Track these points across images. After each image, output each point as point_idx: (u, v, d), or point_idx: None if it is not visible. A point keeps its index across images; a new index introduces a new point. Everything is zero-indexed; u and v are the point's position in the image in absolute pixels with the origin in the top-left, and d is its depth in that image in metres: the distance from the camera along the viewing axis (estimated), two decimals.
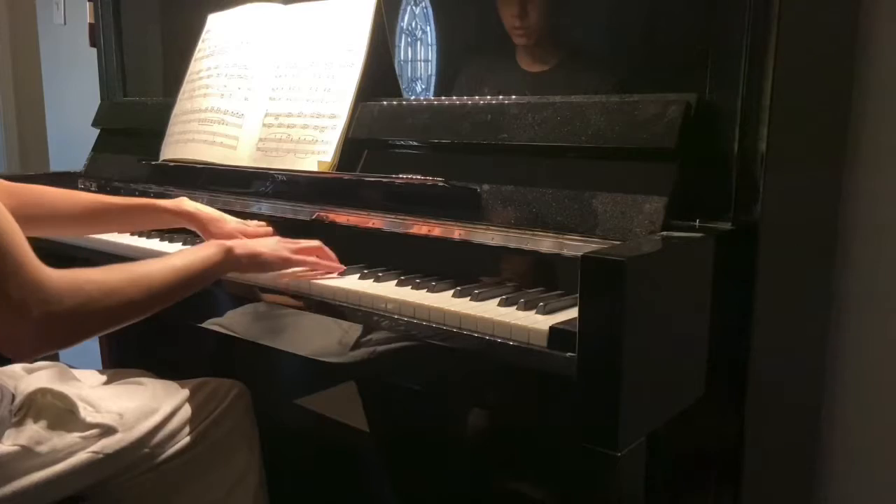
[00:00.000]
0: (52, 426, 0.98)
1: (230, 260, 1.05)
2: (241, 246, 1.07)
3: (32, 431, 0.96)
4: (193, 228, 1.23)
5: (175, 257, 1.01)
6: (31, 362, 1.06)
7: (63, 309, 0.82)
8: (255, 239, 1.14)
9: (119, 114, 1.86)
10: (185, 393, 1.12)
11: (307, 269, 1.11)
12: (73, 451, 0.98)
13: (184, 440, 1.09)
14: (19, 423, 0.97)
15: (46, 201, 1.20)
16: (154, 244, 1.36)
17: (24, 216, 0.88)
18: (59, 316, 0.82)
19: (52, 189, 1.22)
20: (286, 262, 1.10)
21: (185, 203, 1.23)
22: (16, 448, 0.94)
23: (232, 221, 1.23)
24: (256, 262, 1.08)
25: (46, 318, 0.80)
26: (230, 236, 1.17)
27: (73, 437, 0.99)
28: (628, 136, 0.98)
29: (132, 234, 1.42)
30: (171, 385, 1.14)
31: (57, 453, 0.97)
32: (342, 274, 1.11)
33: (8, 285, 0.78)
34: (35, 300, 0.79)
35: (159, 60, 1.91)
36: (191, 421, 1.10)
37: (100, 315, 0.87)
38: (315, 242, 1.13)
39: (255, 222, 1.26)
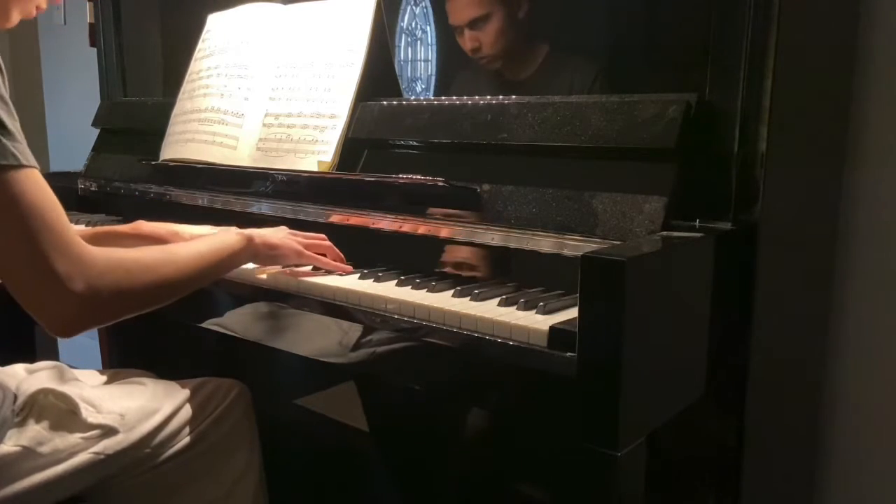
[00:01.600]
0: (54, 427, 0.98)
1: (250, 248, 1.07)
2: (260, 236, 1.09)
3: (34, 432, 0.96)
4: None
5: (200, 243, 1.03)
6: (29, 352, 1.06)
7: (105, 284, 0.84)
8: (268, 230, 1.15)
9: (119, 114, 1.86)
10: (186, 393, 1.12)
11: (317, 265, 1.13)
12: (74, 452, 0.98)
13: (184, 440, 1.09)
14: (21, 424, 0.97)
15: None
16: None
17: None
18: (103, 290, 0.84)
19: None
20: (299, 257, 1.12)
21: (142, 226, 1.23)
22: (18, 449, 0.94)
23: (187, 234, 1.22)
24: (273, 253, 1.11)
25: (91, 292, 0.82)
26: None
27: (75, 437, 0.99)
28: (628, 136, 0.98)
29: None
30: (171, 385, 1.14)
31: (58, 454, 0.97)
32: (343, 273, 1.11)
33: (55, 260, 0.80)
34: (80, 275, 0.81)
35: (159, 60, 1.91)
36: (191, 421, 1.10)
37: (139, 291, 0.89)
38: (321, 237, 1.16)
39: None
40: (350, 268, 1.13)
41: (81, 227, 1.27)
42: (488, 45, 1.25)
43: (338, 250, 1.15)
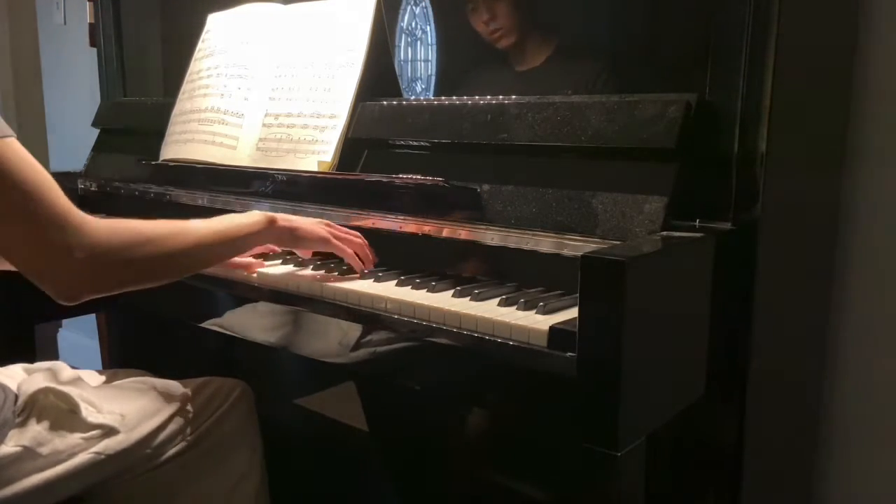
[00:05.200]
0: (54, 427, 0.98)
1: (271, 230, 1.06)
2: (284, 219, 1.08)
3: (35, 432, 0.96)
4: None
5: (218, 220, 1.03)
6: (28, 352, 1.06)
7: (106, 250, 0.84)
8: (299, 217, 1.14)
9: (119, 114, 1.86)
10: (187, 393, 1.12)
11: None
12: (74, 452, 0.98)
13: (186, 440, 1.09)
14: (22, 424, 0.96)
15: None
16: None
17: None
18: (103, 257, 0.84)
19: None
20: (324, 243, 1.09)
21: None
22: (18, 449, 0.94)
23: None
24: (295, 235, 1.09)
25: (91, 258, 0.83)
26: None
27: (75, 437, 0.99)
28: (628, 136, 0.98)
29: None
30: (173, 385, 1.14)
31: (59, 454, 0.97)
32: (341, 274, 1.11)
33: (50, 231, 0.80)
34: (78, 243, 0.82)
35: (159, 60, 1.91)
36: (193, 421, 1.10)
37: (142, 261, 0.89)
38: (359, 235, 1.13)
39: None
40: (365, 268, 1.10)
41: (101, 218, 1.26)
42: (504, 15, 1.24)
43: (369, 253, 1.12)
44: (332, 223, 1.14)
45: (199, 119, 1.48)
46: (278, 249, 1.22)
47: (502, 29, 1.25)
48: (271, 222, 1.06)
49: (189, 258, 0.97)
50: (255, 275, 1.14)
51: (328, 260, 1.16)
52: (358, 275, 1.09)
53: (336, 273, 1.10)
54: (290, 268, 1.16)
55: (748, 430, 1.01)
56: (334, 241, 1.09)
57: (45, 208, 0.80)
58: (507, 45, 1.26)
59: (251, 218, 1.06)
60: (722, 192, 0.95)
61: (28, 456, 0.95)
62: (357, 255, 1.10)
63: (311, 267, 1.16)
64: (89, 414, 1.01)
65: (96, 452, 0.99)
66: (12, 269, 0.86)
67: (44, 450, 0.96)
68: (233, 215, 1.07)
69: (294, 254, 1.21)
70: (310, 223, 1.11)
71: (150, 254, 0.90)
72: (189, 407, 1.11)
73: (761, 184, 0.94)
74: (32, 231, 0.80)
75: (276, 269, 1.16)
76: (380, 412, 1.49)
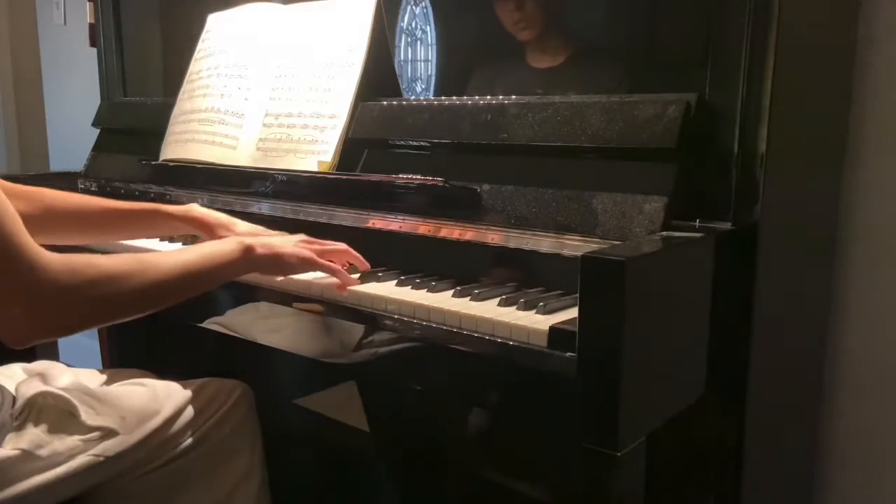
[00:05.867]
0: (53, 429, 0.97)
1: (249, 259, 1.00)
2: (262, 246, 1.02)
3: (33, 435, 0.95)
4: (203, 235, 1.18)
5: (190, 251, 0.97)
6: (27, 352, 1.04)
7: (58, 291, 0.79)
8: (277, 237, 1.09)
9: (119, 114, 1.86)
10: (188, 394, 1.11)
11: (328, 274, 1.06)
12: (73, 455, 0.97)
13: (186, 442, 1.08)
14: (20, 427, 0.96)
15: (54, 205, 1.15)
16: (153, 245, 1.36)
17: (29, 220, 0.84)
18: (53, 299, 0.79)
19: (58, 193, 1.17)
20: (309, 265, 1.04)
21: (194, 209, 1.18)
22: (16, 452, 0.93)
23: (242, 226, 1.18)
24: (277, 262, 1.03)
25: (38, 300, 0.78)
26: None
27: (74, 439, 0.98)
28: (628, 136, 0.98)
29: None
30: (173, 386, 1.13)
31: (57, 457, 0.96)
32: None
33: (4, 267, 0.76)
34: (27, 282, 0.77)
35: (159, 60, 1.91)
36: (193, 422, 1.09)
37: (101, 301, 0.84)
38: (341, 245, 1.08)
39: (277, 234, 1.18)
40: (356, 280, 1.06)
41: (125, 204, 1.21)
42: (531, 8, 1.22)
43: (358, 256, 1.09)
44: (309, 237, 1.09)
45: (200, 119, 1.48)
46: None
47: (528, 20, 1.23)
48: (248, 251, 1.00)
49: (153, 296, 0.90)
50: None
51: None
52: (358, 278, 1.06)
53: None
54: None
55: (748, 430, 1.01)
56: (319, 261, 1.04)
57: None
58: (529, 37, 1.25)
59: (226, 246, 0.99)
60: (722, 192, 0.95)
61: (26, 459, 0.94)
62: (346, 265, 1.07)
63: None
64: (88, 416, 0.99)
65: (95, 454, 0.98)
66: None
67: (42, 452, 0.95)
68: (208, 243, 1.01)
69: None
70: (290, 244, 1.05)
71: (110, 293, 0.83)
72: (189, 408, 1.10)
73: (761, 184, 0.94)
74: None
75: None
76: (380, 412, 1.49)
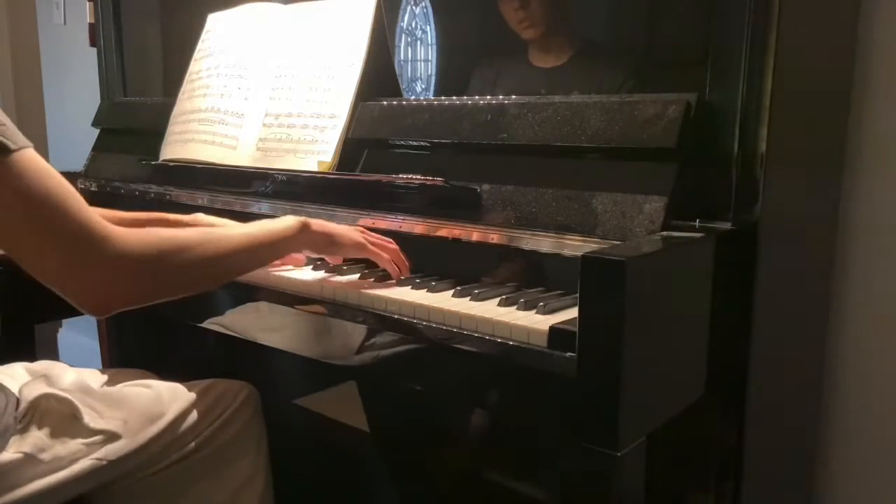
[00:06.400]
0: (56, 433, 0.96)
1: (307, 235, 1.04)
2: (319, 224, 1.06)
3: (36, 438, 0.94)
4: None
5: (251, 225, 1.00)
6: (29, 352, 1.04)
7: (134, 260, 0.82)
8: (332, 223, 1.11)
9: (119, 114, 1.86)
10: (192, 396, 1.10)
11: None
12: (75, 459, 0.96)
13: (190, 444, 1.07)
14: (23, 430, 0.95)
15: None
16: None
17: None
18: (133, 267, 0.82)
19: None
20: (360, 249, 1.07)
21: (200, 218, 1.19)
22: (19, 456, 0.93)
23: None
24: (331, 241, 1.06)
25: (120, 269, 0.81)
26: None
27: (77, 443, 0.97)
28: (628, 136, 0.98)
29: None
30: (177, 387, 1.11)
31: (60, 461, 0.95)
32: (342, 274, 1.11)
33: (75, 243, 0.78)
34: (105, 254, 0.79)
35: (159, 60, 1.91)
36: (198, 425, 1.08)
37: (172, 270, 0.87)
38: (393, 245, 1.10)
39: None
40: (402, 275, 1.07)
41: (128, 214, 1.22)
42: (536, 5, 1.22)
43: (405, 261, 1.10)
44: (365, 229, 1.12)
45: (199, 119, 1.48)
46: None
47: (532, 18, 1.23)
48: (305, 226, 1.03)
49: (223, 266, 0.93)
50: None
51: (344, 265, 1.15)
52: (394, 281, 1.06)
53: (372, 279, 1.07)
54: (299, 272, 1.15)
55: (748, 430, 1.01)
56: (370, 247, 1.07)
57: (69, 220, 0.78)
58: (534, 35, 1.25)
59: (285, 222, 1.03)
60: (722, 192, 0.95)
61: (29, 462, 0.93)
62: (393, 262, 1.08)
63: (324, 271, 1.14)
64: (91, 419, 0.99)
65: (98, 458, 0.97)
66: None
67: (45, 456, 0.94)
68: (266, 220, 1.04)
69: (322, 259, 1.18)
70: (344, 228, 1.09)
71: (183, 263, 0.87)
72: (194, 411, 1.08)
73: (761, 184, 0.94)
74: (58, 244, 0.78)
75: (283, 271, 1.15)
76: (380, 412, 1.49)
